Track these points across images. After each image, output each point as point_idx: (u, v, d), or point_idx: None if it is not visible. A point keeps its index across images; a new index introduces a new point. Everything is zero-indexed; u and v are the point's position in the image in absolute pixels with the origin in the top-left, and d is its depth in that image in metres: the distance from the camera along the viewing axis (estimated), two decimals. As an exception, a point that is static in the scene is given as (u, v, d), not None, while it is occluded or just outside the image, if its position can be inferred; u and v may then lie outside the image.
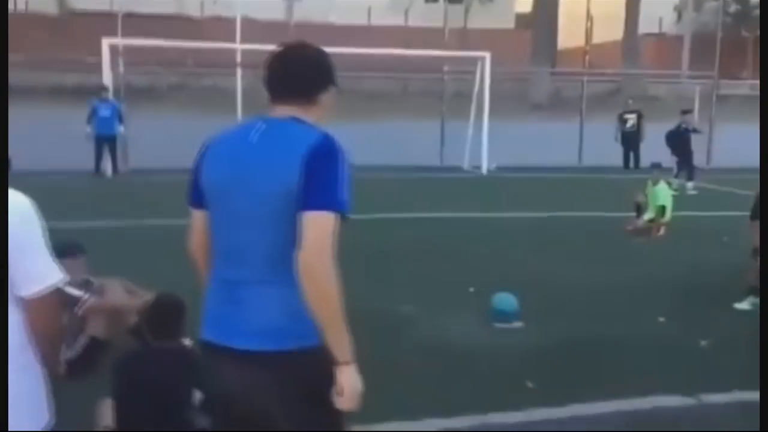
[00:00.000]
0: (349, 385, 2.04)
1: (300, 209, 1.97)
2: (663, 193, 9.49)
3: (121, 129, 14.73)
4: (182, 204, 2.32)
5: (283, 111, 2.15)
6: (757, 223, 6.76)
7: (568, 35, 34.17)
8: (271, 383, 2.07)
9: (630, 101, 18.31)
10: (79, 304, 4.13)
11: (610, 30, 31.09)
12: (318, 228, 1.96)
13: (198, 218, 2.26)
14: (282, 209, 2.01)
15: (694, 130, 15.28)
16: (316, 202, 1.97)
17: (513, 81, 21.34)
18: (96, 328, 4.34)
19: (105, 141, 14.52)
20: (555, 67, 33.32)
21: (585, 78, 20.63)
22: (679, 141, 14.72)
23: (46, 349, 2.09)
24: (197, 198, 2.22)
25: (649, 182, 9.64)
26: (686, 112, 15.55)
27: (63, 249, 3.73)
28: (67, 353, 3.99)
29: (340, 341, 2.00)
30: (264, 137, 2.09)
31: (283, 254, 2.01)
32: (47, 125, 16.94)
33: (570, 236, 9.03)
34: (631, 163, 17.18)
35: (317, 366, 2.03)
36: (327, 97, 2.20)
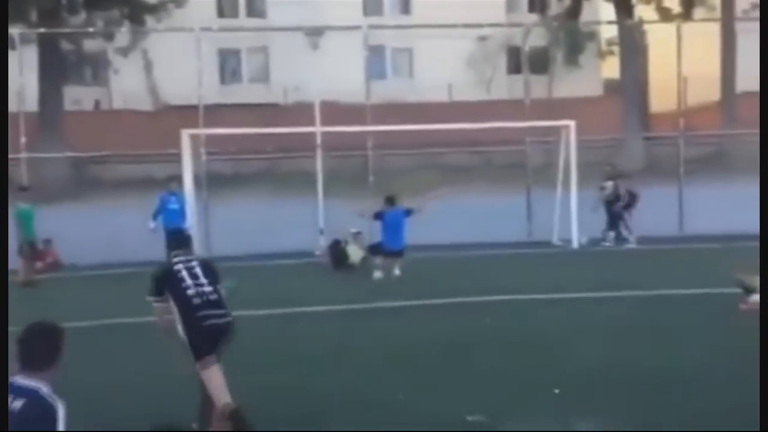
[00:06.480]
0: None
1: None
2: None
3: (186, 224, 14.49)
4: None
5: None
6: None
7: (661, 98, 32.97)
8: None
9: (606, 167, 16.72)
10: None
11: (705, 90, 29.76)
12: None
13: None
14: None
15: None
16: None
17: (602, 148, 20.56)
18: None
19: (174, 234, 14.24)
20: (648, 131, 32.09)
21: (681, 141, 19.47)
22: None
23: None
24: None
25: None
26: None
27: None
28: None
29: None
30: None
31: None
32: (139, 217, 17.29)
33: (680, 319, 8.03)
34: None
35: None
36: None
